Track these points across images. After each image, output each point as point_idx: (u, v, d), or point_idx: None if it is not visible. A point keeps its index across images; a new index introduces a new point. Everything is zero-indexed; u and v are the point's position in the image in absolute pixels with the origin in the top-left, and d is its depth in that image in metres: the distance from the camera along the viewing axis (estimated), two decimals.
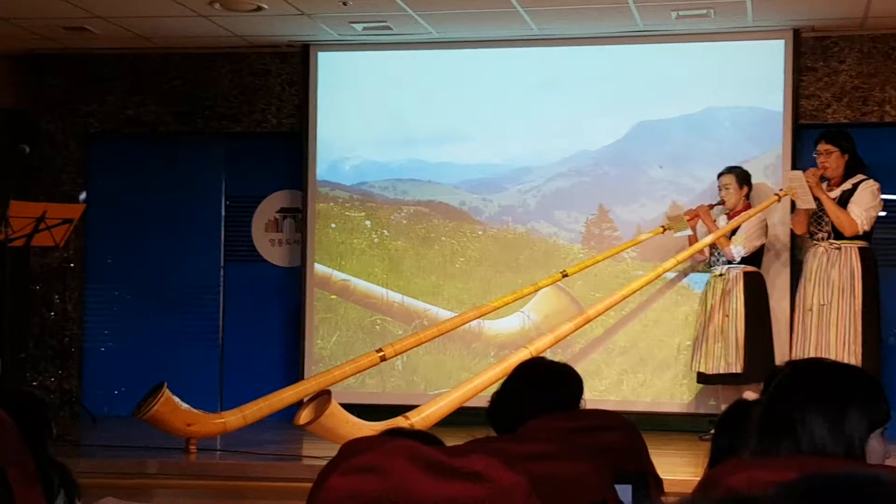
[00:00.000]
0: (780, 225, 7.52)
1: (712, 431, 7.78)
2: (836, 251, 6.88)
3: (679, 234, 7.49)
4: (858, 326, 6.78)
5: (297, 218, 8.35)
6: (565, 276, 7.42)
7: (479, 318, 7.40)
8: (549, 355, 6.39)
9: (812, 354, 6.65)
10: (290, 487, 5.62)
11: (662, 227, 7.54)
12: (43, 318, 8.50)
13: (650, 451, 2.93)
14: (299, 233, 8.28)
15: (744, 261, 7.24)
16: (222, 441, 6.70)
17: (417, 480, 1.63)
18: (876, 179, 6.97)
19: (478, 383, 6.61)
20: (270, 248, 8.44)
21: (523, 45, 7.95)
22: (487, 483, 1.62)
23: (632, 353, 7.76)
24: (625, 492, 2.69)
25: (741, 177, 7.35)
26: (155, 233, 8.48)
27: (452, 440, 2.31)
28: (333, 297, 8.15)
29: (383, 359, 6.80)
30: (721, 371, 7.13)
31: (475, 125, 8.06)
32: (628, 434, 2.88)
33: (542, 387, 3.06)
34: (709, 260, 7.46)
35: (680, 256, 7.32)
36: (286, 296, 8.34)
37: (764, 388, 3.52)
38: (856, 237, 6.86)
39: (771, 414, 2.04)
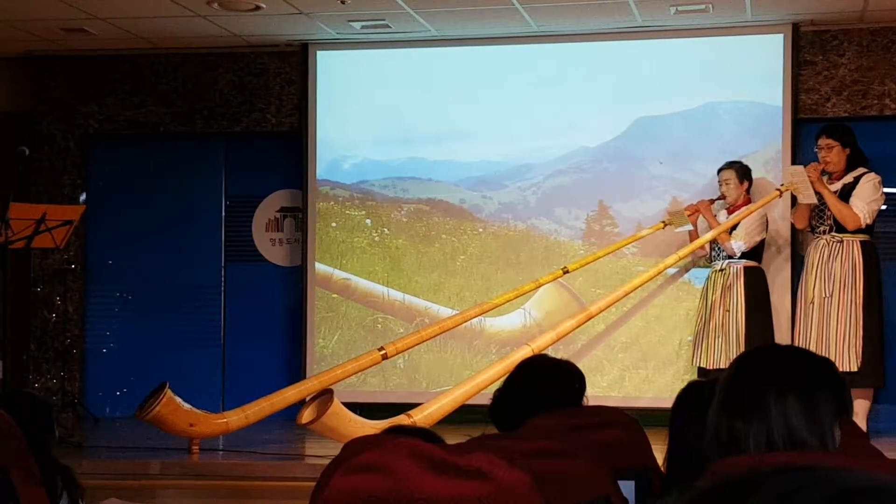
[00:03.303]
0: (781, 220, 7.51)
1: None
2: (838, 244, 6.88)
3: (680, 229, 7.49)
4: (860, 319, 6.78)
5: (297, 217, 8.35)
6: (566, 272, 7.43)
7: (480, 315, 7.40)
8: (550, 352, 6.39)
9: (813, 347, 6.65)
10: (293, 486, 5.62)
11: (663, 222, 7.54)
12: (44, 319, 8.50)
13: (653, 446, 2.93)
14: (300, 232, 8.28)
15: (744, 256, 7.24)
16: (225, 441, 6.70)
17: (420, 478, 1.63)
18: (877, 172, 6.96)
19: (480, 381, 6.60)
20: (271, 247, 8.44)
21: (522, 42, 7.94)
22: (490, 480, 1.62)
23: (633, 349, 7.76)
24: (628, 488, 2.69)
25: (741, 172, 7.34)
26: (155, 233, 8.48)
27: (455, 438, 2.31)
28: (334, 295, 8.15)
29: (385, 357, 6.80)
30: (721, 366, 7.12)
31: (474, 123, 8.06)
32: (631, 430, 2.88)
33: (545, 384, 3.05)
34: (709, 255, 7.46)
35: (681, 252, 7.32)
36: (287, 295, 8.35)
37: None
38: (858, 231, 6.86)
39: (741, 392, 2.02)
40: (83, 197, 8.55)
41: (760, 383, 1.99)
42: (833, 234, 6.91)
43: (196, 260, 8.46)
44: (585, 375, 3.17)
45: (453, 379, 7.57)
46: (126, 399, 8.09)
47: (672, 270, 7.63)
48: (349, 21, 7.65)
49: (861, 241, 6.87)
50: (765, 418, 1.96)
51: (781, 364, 2.04)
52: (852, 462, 1.79)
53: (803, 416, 1.95)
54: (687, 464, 2.64)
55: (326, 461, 1.89)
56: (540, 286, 7.48)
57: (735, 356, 7.72)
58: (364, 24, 7.71)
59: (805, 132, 7.54)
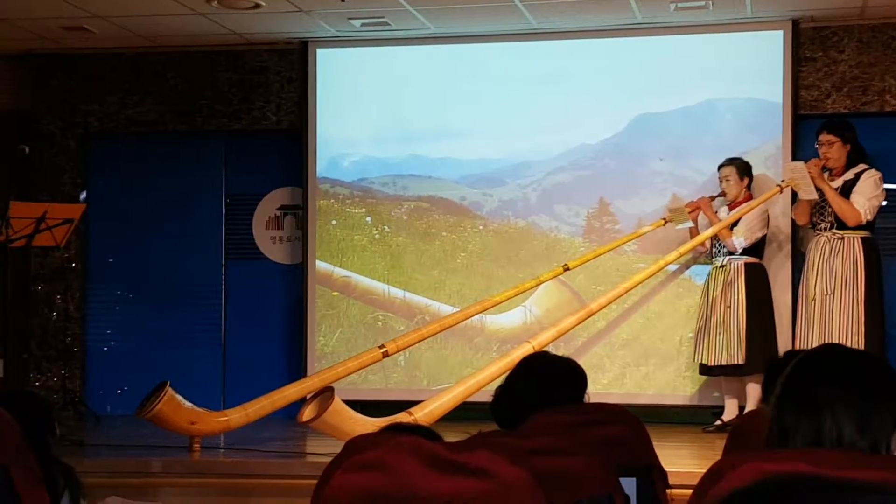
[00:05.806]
0: (782, 216, 7.51)
1: (716, 423, 7.72)
2: (839, 241, 6.88)
3: (680, 226, 7.48)
4: (862, 316, 6.77)
5: (297, 215, 8.35)
6: (567, 269, 7.43)
7: (480, 312, 7.39)
8: (551, 349, 6.39)
9: (815, 344, 6.63)
10: (294, 484, 5.62)
11: (663, 219, 7.54)
12: (45, 318, 8.50)
13: (654, 443, 2.93)
14: (300, 230, 8.28)
15: (745, 252, 7.24)
16: (226, 439, 6.71)
17: (422, 476, 1.62)
18: (878, 169, 6.96)
19: (481, 378, 6.60)
20: (271, 245, 8.44)
21: (522, 39, 7.94)
22: (492, 478, 1.62)
23: (634, 346, 7.76)
24: (629, 485, 2.69)
25: (742, 168, 7.34)
26: (156, 231, 8.48)
27: (455, 435, 2.31)
28: (335, 293, 8.15)
29: (386, 355, 6.80)
30: (723, 362, 7.12)
31: (474, 120, 8.05)
32: (632, 427, 2.88)
33: (546, 381, 3.05)
34: (710, 252, 7.45)
35: (682, 249, 7.32)
36: (288, 293, 8.34)
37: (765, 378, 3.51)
38: (859, 227, 6.86)
39: (796, 388, 2.00)
40: (83, 195, 8.54)
41: (817, 384, 1.98)
42: (834, 230, 6.91)
43: (196, 258, 8.45)
44: (586, 372, 3.17)
45: (454, 376, 7.57)
46: (127, 397, 8.09)
47: (673, 267, 7.63)
48: (349, 19, 7.65)
49: (862, 238, 6.87)
50: (815, 419, 1.95)
51: (842, 368, 2.02)
52: (851, 461, 1.79)
53: (856, 424, 1.94)
54: None
55: (327, 459, 1.89)
56: (540, 283, 7.47)
57: (735, 352, 7.67)
58: (364, 21, 7.71)
59: (805, 128, 7.53)
